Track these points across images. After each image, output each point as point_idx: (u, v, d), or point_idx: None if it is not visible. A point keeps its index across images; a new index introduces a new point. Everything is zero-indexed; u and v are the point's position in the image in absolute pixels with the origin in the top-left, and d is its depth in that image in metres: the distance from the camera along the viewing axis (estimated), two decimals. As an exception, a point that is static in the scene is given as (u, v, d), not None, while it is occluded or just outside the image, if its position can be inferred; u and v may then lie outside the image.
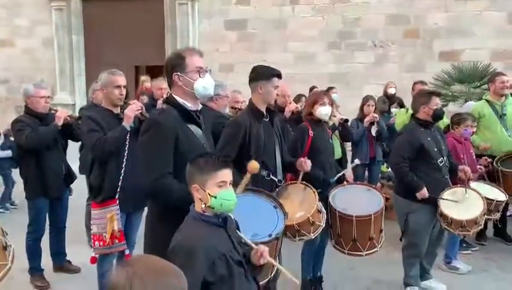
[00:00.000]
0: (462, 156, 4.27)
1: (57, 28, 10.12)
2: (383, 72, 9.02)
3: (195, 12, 9.75)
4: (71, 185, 4.44)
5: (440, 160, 3.68)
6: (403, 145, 3.67)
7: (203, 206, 1.94)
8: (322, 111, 3.68)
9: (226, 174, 1.95)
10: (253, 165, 2.75)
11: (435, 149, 3.67)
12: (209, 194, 1.90)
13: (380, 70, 9.19)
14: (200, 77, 2.40)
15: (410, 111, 4.96)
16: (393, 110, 6.44)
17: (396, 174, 3.82)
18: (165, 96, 3.92)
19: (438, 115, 3.72)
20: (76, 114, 4.84)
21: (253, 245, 2.09)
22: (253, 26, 9.74)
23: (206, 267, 1.83)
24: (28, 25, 10.51)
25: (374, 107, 5.59)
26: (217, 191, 1.91)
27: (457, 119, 4.45)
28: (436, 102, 3.73)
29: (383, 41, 9.31)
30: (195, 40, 9.73)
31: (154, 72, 11.72)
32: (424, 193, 3.59)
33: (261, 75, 3.17)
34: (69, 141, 4.46)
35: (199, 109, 2.49)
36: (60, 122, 3.97)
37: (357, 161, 4.05)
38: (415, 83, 5.73)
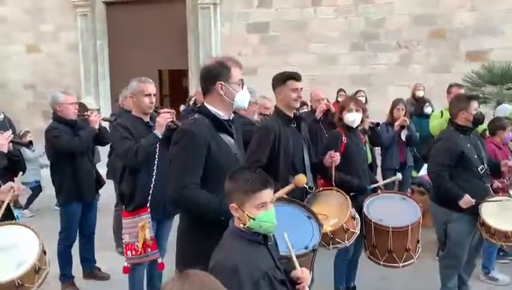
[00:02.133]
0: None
1: (82, 33, 10.21)
2: (408, 73, 8.80)
3: (217, 16, 9.69)
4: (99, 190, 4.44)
5: (481, 167, 3.52)
6: (442, 153, 3.51)
7: (242, 226, 1.85)
8: (349, 117, 3.60)
9: (267, 194, 1.84)
10: (301, 180, 2.65)
11: (475, 156, 3.51)
12: (248, 216, 1.81)
13: (404, 71, 8.98)
14: (241, 89, 2.37)
15: (446, 114, 4.80)
16: (426, 110, 6.18)
17: (434, 183, 3.66)
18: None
19: (478, 120, 3.55)
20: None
21: (298, 267, 1.99)
22: (274, 28, 9.64)
23: (250, 286, 1.74)
24: (53, 30, 10.64)
25: (404, 111, 5.41)
26: (257, 212, 1.81)
27: (499, 124, 4.27)
28: (476, 106, 3.57)
29: (407, 41, 9.09)
30: (217, 43, 9.68)
31: (177, 76, 11.85)
32: (467, 200, 3.40)
33: (276, 80, 3.19)
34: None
35: (231, 118, 2.44)
36: (96, 126, 4.04)
37: (399, 176, 3.92)
38: (450, 86, 5.49)
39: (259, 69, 9.31)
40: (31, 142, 3.42)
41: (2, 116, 7.24)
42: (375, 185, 3.53)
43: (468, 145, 3.52)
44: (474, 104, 3.55)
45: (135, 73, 4.11)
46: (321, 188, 3.33)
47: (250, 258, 1.80)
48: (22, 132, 6.59)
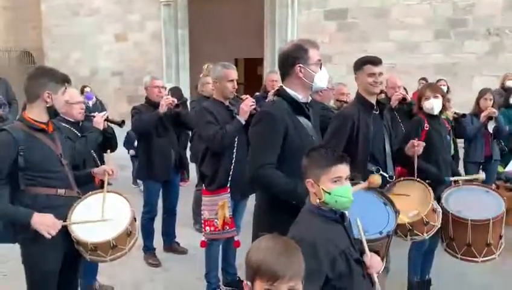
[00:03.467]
0: None
1: (165, 23, 10.73)
2: (498, 63, 8.23)
3: (295, 4, 9.71)
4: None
5: None
6: None
7: (318, 201, 1.90)
8: (427, 105, 3.50)
9: (342, 169, 1.88)
10: (376, 180, 2.64)
11: None
12: (323, 190, 1.86)
13: (494, 61, 8.40)
14: (319, 69, 2.40)
15: None
16: None
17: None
18: (276, 88, 3.99)
19: None
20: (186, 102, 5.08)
21: (368, 252, 2.02)
22: (353, 15, 9.45)
23: (327, 263, 1.80)
24: (139, 20, 11.29)
25: (491, 101, 5.10)
26: (332, 187, 1.85)
27: None
28: None
29: (499, 28, 8.47)
30: (293, 31, 9.71)
31: (252, 64, 12.06)
32: None
33: (355, 65, 3.13)
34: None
35: (309, 101, 2.48)
36: (161, 110, 4.18)
37: (482, 175, 3.72)
38: (542, 75, 5.12)
39: (335, 57, 9.22)
40: (123, 121, 3.75)
41: (95, 99, 7.95)
42: (454, 179, 3.36)
43: None
44: None
45: (213, 61, 4.26)
46: (402, 178, 3.24)
47: (328, 235, 1.85)
48: None
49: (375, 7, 9.24)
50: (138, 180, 6.38)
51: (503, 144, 5.26)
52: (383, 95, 5.20)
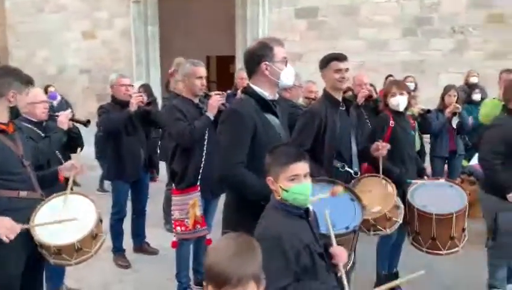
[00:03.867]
0: None
1: (134, 20, 10.55)
2: (463, 60, 8.45)
3: (266, 1, 9.72)
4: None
5: (539, 158, 3.38)
6: (496, 140, 3.41)
7: (278, 198, 1.93)
8: (393, 102, 3.56)
9: (300, 167, 1.88)
10: (338, 190, 2.66)
11: (532, 145, 3.38)
12: (281, 188, 1.88)
13: (459, 58, 8.63)
14: (285, 66, 2.41)
15: (494, 101, 4.64)
16: (475, 96, 5.96)
17: (486, 171, 3.57)
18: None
19: (533, 106, 3.42)
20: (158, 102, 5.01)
21: (335, 241, 2.05)
22: (323, 13, 9.54)
23: (292, 255, 1.82)
24: (108, 17, 11.08)
25: (456, 97, 5.26)
26: (289, 185, 1.87)
27: None
28: (531, 92, 3.44)
29: (463, 26, 8.72)
30: (264, 29, 9.72)
31: (224, 62, 12.02)
32: None
33: (321, 63, 3.19)
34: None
35: (276, 98, 2.49)
36: (132, 108, 4.12)
37: (473, 162, 3.81)
38: (501, 72, 5.31)
39: (305, 55, 9.28)
40: (88, 121, 3.67)
41: (60, 98, 7.77)
42: (415, 181, 3.41)
43: (524, 133, 3.39)
44: (529, 90, 3.41)
45: (184, 58, 4.24)
46: (366, 174, 3.32)
47: (292, 230, 1.87)
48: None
49: (345, 5, 9.34)
50: (106, 183, 6.27)
51: (467, 138, 5.43)
52: (350, 93, 5.30)
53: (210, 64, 12.01)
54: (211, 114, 3.43)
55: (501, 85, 4.83)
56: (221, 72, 12.29)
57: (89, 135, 5.37)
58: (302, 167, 1.89)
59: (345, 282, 2.04)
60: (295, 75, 3.78)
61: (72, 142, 3.47)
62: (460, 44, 8.73)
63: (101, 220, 2.70)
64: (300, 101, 4.51)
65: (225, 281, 1.30)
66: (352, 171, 3.19)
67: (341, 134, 3.15)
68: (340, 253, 2.05)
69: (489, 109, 4.72)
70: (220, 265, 1.32)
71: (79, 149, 3.25)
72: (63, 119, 3.36)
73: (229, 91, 5.54)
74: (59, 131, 3.33)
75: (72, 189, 2.75)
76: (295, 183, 1.87)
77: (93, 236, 2.57)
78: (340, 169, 3.13)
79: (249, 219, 2.01)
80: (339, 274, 2.06)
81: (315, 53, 9.48)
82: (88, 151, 4.15)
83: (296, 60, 9.18)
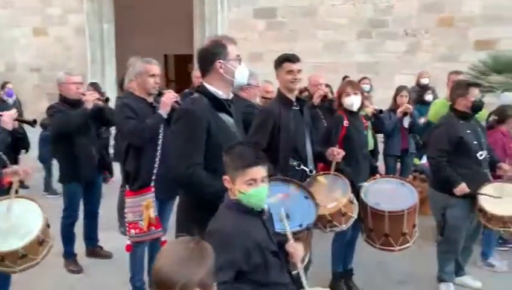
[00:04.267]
0: (506, 151, 4.11)
1: (88, 17, 10.24)
2: (415, 62, 8.76)
3: (224, 1, 9.68)
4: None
5: (480, 153, 3.55)
6: (441, 138, 3.56)
7: (233, 197, 1.92)
8: (347, 102, 3.63)
9: (257, 171, 1.87)
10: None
11: (475, 142, 3.55)
12: (238, 190, 1.88)
13: (411, 59, 8.94)
14: (239, 65, 2.41)
15: (443, 101, 4.83)
16: (427, 97, 6.16)
17: (433, 168, 3.71)
18: None
19: (477, 107, 3.59)
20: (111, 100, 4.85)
21: (291, 238, 2.06)
22: (282, 14, 9.61)
23: (242, 254, 1.81)
24: (60, 13, 10.68)
25: (407, 98, 5.44)
26: (246, 188, 1.86)
27: (509, 113, 4.27)
28: (475, 93, 3.60)
29: (415, 29, 9.03)
30: (223, 28, 9.68)
31: (183, 61, 11.87)
32: (462, 188, 3.48)
33: (275, 64, 3.24)
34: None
35: (230, 98, 2.48)
36: (89, 106, 4.00)
37: (424, 160, 3.91)
38: (450, 73, 5.55)
39: (265, 55, 9.30)
40: (34, 121, 3.51)
41: (15, 97, 7.38)
42: (365, 183, 3.46)
43: (468, 131, 3.55)
44: (473, 91, 3.58)
45: (141, 57, 4.13)
46: (321, 172, 3.37)
47: (244, 228, 1.86)
48: None
49: (303, 6, 9.46)
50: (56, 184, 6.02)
51: (418, 137, 5.62)
52: (306, 93, 5.36)
53: (168, 63, 11.84)
54: (163, 112, 3.35)
55: (449, 86, 5.03)
56: (179, 71, 12.15)
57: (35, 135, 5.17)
58: (259, 171, 1.88)
59: (303, 278, 2.05)
60: (252, 75, 3.88)
61: (17, 142, 3.30)
62: (413, 46, 9.05)
63: (48, 225, 2.58)
64: (258, 100, 4.51)
65: (169, 287, 1.26)
66: (307, 170, 3.23)
67: (296, 133, 3.19)
68: (295, 249, 2.06)
69: (438, 108, 4.92)
70: (166, 270, 1.29)
71: (24, 151, 3.08)
72: (7, 119, 3.18)
73: (186, 90, 5.48)
74: (3, 131, 3.16)
75: (17, 192, 2.61)
76: (252, 187, 1.87)
77: (40, 242, 2.46)
78: (296, 167, 3.17)
79: (204, 221, 1.97)
80: (296, 271, 2.07)
81: (274, 53, 9.45)
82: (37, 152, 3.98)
83: (255, 60, 9.20)
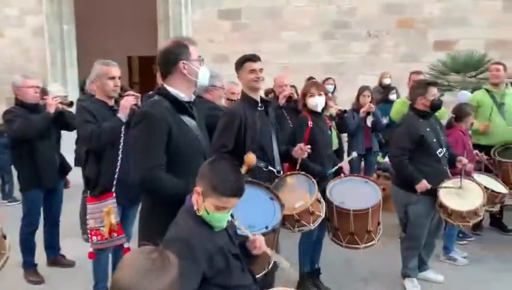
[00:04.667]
0: (466, 148, 4.25)
1: (48, 18, 9.92)
2: (378, 62, 8.95)
3: (188, 2, 9.60)
4: (69, 179, 4.36)
5: (439, 151, 3.65)
6: (402, 137, 3.64)
7: (195, 209, 1.88)
8: (311, 102, 3.66)
9: (232, 202, 1.85)
10: (250, 158, 2.70)
11: (434, 140, 3.64)
12: (205, 207, 1.84)
13: (374, 60, 9.13)
14: (201, 65, 2.38)
15: (403, 100, 4.97)
16: (392, 96, 6.28)
17: (395, 166, 3.79)
18: None
19: (436, 106, 3.69)
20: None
21: (250, 234, 2.05)
22: (247, 16, 9.62)
23: (205, 260, 1.79)
24: (18, 14, 10.30)
25: (370, 98, 5.55)
26: (213, 211, 1.83)
27: (467, 111, 4.41)
28: (434, 92, 3.70)
29: (377, 31, 9.23)
30: (188, 30, 9.59)
31: (148, 62, 11.69)
32: (423, 185, 3.57)
33: (236, 65, 3.25)
34: (64, 133, 4.39)
35: (192, 100, 2.44)
36: (51, 110, 3.90)
37: (354, 154, 4.01)
38: (411, 73, 5.71)
39: (231, 56, 9.27)
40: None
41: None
42: (335, 168, 3.57)
43: (428, 129, 3.65)
44: (432, 90, 3.68)
45: (104, 59, 4.04)
46: (288, 172, 3.39)
47: (205, 233, 1.84)
48: None
49: (267, 7, 9.50)
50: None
51: (380, 136, 5.73)
52: (272, 94, 5.38)
53: (132, 64, 11.63)
54: (122, 115, 3.27)
55: (410, 85, 5.16)
56: (144, 73, 11.95)
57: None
58: (234, 203, 1.87)
59: (280, 259, 2.08)
60: (217, 76, 3.86)
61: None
62: (375, 47, 9.25)
63: (4, 236, 2.46)
64: (223, 102, 4.48)
65: None
66: (275, 170, 3.24)
67: (262, 134, 3.19)
68: (260, 242, 2.04)
69: (399, 107, 5.05)
70: (126, 281, 1.25)
71: None
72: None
73: (150, 92, 5.38)
74: None
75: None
76: (220, 212, 1.85)
77: (-6, 254, 2.34)
78: (264, 169, 3.16)
79: (166, 229, 1.93)
80: (259, 273, 2.04)
81: (239, 54, 9.43)
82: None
83: (221, 61, 9.16)
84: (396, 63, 8.94)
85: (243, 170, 2.67)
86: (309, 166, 3.43)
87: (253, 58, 3.18)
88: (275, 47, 9.26)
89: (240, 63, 3.20)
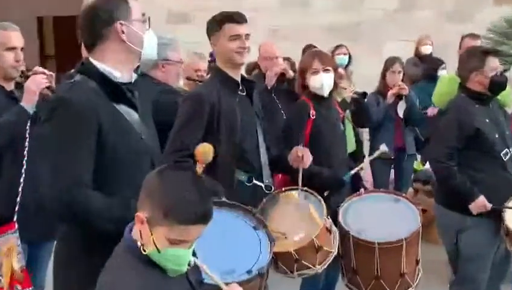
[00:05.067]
0: None
1: None
2: (412, 23, 9.05)
3: None
4: None
5: (505, 151, 3.68)
6: (450, 131, 3.66)
7: (140, 245, 1.86)
8: (316, 82, 3.68)
9: (196, 232, 1.84)
10: (204, 149, 2.52)
11: (497, 135, 3.67)
12: (154, 243, 1.83)
13: (407, 19, 9.23)
14: (147, 29, 2.39)
15: (455, 78, 5.00)
16: (441, 72, 6.27)
17: (440, 176, 3.82)
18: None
19: (498, 84, 3.72)
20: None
21: (222, 284, 2.05)
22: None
23: None
24: None
25: (401, 74, 5.57)
26: (166, 246, 1.82)
27: None
28: (494, 65, 3.73)
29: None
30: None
31: (67, 25, 11.60)
32: (481, 203, 3.58)
33: (210, 26, 3.26)
34: None
35: (133, 81, 2.43)
36: None
37: (383, 148, 3.97)
38: (463, 38, 5.74)
39: (193, 15, 9.29)
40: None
41: None
42: (353, 171, 3.60)
43: (486, 120, 3.68)
44: (492, 62, 3.70)
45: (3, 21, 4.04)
46: (283, 188, 3.40)
47: (153, 281, 1.84)
48: None
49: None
50: None
51: (418, 131, 5.75)
52: (256, 70, 5.38)
53: (44, 29, 11.62)
54: (28, 105, 3.26)
55: (460, 55, 5.19)
56: (62, 42, 11.91)
57: None
58: (198, 231, 1.84)
59: None
60: (171, 45, 3.87)
61: None
62: (408, 2, 9.34)
63: None
64: (181, 84, 4.49)
65: None
66: (262, 185, 3.26)
67: (244, 130, 3.21)
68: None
69: (445, 87, 5.03)
70: None
71: None
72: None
73: (72, 71, 5.38)
74: None
75: None
76: (176, 247, 1.83)
77: None
78: (246, 183, 3.20)
79: (96, 275, 1.92)
80: None
81: (206, 13, 9.42)
82: None
83: (178, 22, 9.19)
84: (440, 23, 9.05)
85: (198, 169, 2.58)
86: (312, 171, 3.43)
87: (237, 17, 3.19)
88: (260, 2, 9.29)
89: (216, 24, 3.20)
